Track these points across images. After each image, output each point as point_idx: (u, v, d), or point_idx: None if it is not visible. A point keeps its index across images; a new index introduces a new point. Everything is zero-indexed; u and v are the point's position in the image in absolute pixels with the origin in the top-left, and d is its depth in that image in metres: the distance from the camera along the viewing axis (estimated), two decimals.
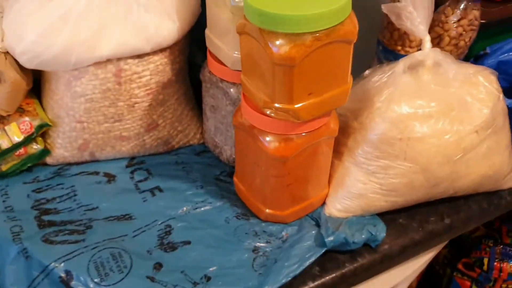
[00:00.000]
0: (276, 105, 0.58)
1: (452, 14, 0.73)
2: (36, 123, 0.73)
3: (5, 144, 0.72)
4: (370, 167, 0.68)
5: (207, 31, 0.71)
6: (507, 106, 0.74)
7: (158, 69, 0.73)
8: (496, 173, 0.71)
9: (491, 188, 0.73)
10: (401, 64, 0.68)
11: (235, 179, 0.73)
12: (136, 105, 0.73)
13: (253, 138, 0.64)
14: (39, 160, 0.76)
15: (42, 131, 0.74)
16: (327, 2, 0.53)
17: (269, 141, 0.63)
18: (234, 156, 0.77)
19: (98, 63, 0.69)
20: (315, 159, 0.66)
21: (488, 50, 0.80)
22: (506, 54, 0.78)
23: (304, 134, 0.62)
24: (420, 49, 0.69)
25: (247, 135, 0.66)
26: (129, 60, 0.70)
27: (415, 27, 0.67)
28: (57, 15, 0.66)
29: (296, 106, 0.57)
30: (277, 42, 0.53)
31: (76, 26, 0.66)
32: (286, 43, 0.53)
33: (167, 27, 0.70)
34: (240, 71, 0.68)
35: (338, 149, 0.70)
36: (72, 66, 0.68)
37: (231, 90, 0.71)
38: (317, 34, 0.53)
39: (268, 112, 0.59)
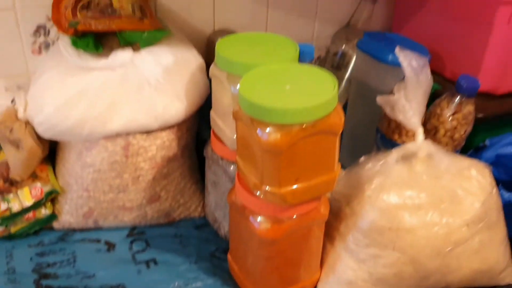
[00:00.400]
0: (265, 188, 0.60)
1: (447, 107, 0.76)
2: (46, 189, 0.78)
3: (16, 208, 0.76)
4: (361, 255, 0.68)
5: (211, 112, 0.76)
6: (507, 199, 0.74)
7: (164, 145, 0.77)
8: (490, 268, 0.70)
9: (486, 283, 0.72)
10: (394, 154, 0.70)
11: (229, 256, 0.75)
12: (141, 177, 0.77)
13: (245, 218, 0.66)
14: (46, 224, 0.80)
15: (51, 197, 0.79)
16: (315, 95, 0.57)
17: (260, 222, 0.64)
18: None
19: (109, 137, 0.74)
20: (305, 242, 0.67)
21: (487, 143, 0.81)
22: (504, 147, 0.79)
23: (294, 217, 0.64)
24: None
25: (239, 215, 0.68)
26: (138, 135, 0.75)
27: (407, 119, 0.70)
28: (75, 91, 0.72)
29: (283, 190, 0.60)
30: (266, 130, 0.56)
31: (91, 101, 0.72)
32: (274, 132, 0.56)
33: (176, 106, 0.75)
34: None
35: (331, 233, 0.71)
36: (84, 137, 0.74)
37: (230, 168, 0.74)
38: (303, 126, 0.56)
39: (257, 194, 0.62)
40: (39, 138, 0.78)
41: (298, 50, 0.68)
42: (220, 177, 0.77)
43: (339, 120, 0.59)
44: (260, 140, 0.57)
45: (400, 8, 1.00)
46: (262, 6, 0.93)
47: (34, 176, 0.79)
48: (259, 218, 0.65)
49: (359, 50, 0.88)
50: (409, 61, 0.70)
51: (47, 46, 0.83)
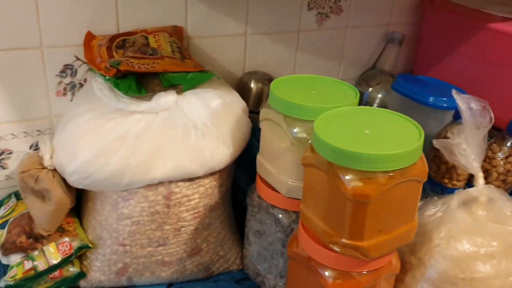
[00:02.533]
0: (344, 240, 0.56)
1: (499, 151, 0.75)
2: (75, 244, 0.70)
3: (41, 266, 0.68)
4: None
5: (259, 157, 0.71)
6: None
7: (207, 192, 0.72)
8: None
9: None
10: (455, 199, 0.67)
11: None
12: (183, 228, 0.71)
13: (311, 271, 0.61)
14: (73, 284, 0.71)
15: (80, 253, 0.71)
16: (400, 141, 0.54)
17: (329, 277, 0.60)
18: (278, 287, 0.74)
19: (149, 185, 0.68)
20: None
21: None
22: None
23: (365, 272, 0.60)
24: (467, 183, 0.70)
25: (302, 267, 0.63)
26: (180, 183, 0.69)
27: (469, 163, 0.68)
28: (115, 136, 0.66)
29: (365, 243, 0.55)
30: (352, 178, 0.53)
31: (133, 147, 0.66)
32: (359, 180, 0.52)
33: (222, 152, 0.70)
34: (294, 199, 0.67)
35: (395, 285, 0.67)
36: (122, 187, 0.67)
37: (282, 217, 0.69)
38: (392, 174, 0.53)
39: (333, 247, 0.57)
40: (67, 188, 0.71)
41: (358, 94, 0.66)
42: (269, 226, 0.72)
43: (424, 167, 0.56)
44: (346, 188, 0.53)
45: (424, 51, 1.01)
46: (292, 48, 0.91)
47: (60, 231, 0.71)
48: (327, 272, 0.60)
49: (395, 92, 0.87)
50: (468, 104, 0.69)
51: (72, 87, 0.77)
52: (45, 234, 0.69)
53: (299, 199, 0.68)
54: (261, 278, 0.76)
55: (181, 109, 0.68)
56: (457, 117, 0.82)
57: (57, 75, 0.75)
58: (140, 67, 0.67)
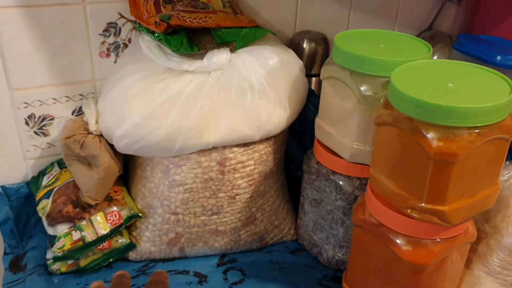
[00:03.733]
0: (423, 205, 0.51)
1: None
2: (125, 213, 0.67)
3: (90, 237, 0.65)
4: (508, 278, 0.59)
5: (318, 120, 0.66)
6: None
7: (262, 159, 0.67)
8: None
9: None
10: None
11: (345, 286, 0.65)
12: (238, 196, 0.67)
13: (381, 238, 0.57)
14: (122, 255, 0.68)
15: (130, 223, 0.68)
16: (487, 95, 0.49)
17: (402, 244, 0.55)
18: (337, 258, 0.69)
19: (202, 151, 0.64)
20: (448, 268, 0.58)
21: None
22: None
23: (439, 240, 0.55)
24: None
25: (370, 235, 0.58)
26: (235, 149, 0.65)
27: None
28: (166, 97, 0.61)
29: (447, 207, 0.50)
30: (435, 135, 0.47)
31: (185, 109, 0.61)
32: (445, 137, 0.47)
33: (278, 115, 0.65)
34: (359, 164, 0.63)
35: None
36: (174, 152, 0.63)
37: (345, 183, 0.64)
38: (479, 130, 0.47)
39: (410, 213, 0.52)
40: (115, 154, 0.67)
41: (431, 49, 0.60)
42: (328, 194, 0.67)
43: None
44: (430, 146, 0.48)
45: (484, 10, 0.94)
46: (345, 7, 0.85)
47: (108, 199, 0.67)
48: (399, 240, 0.55)
49: (457, 52, 0.81)
50: None
51: (116, 48, 0.72)
52: (92, 203, 0.66)
53: (364, 164, 0.63)
54: (317, 248, 0.72)
55: (235, 68, 0.63)
56: None
57: (100, 34, 0.71)
58: (192, 21, 0.62)
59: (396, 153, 0.52)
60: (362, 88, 0.58)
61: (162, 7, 0.66)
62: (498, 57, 0.75)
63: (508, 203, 0.60)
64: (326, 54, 0.81)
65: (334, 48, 0.61)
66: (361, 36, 0.64)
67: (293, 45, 0.79)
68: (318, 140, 0.67)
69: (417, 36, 0.92)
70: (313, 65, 0.80)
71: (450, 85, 0.51)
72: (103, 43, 0.71)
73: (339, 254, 0.69)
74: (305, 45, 0.79)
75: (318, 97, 0.77)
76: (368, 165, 0.63)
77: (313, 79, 0.81)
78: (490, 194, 0.54)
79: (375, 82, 0.57)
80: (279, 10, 0.80)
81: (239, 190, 0.66)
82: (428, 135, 0.48)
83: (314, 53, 0.80)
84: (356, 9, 0.86)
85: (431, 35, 0.91)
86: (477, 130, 0.48)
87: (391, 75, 0.52)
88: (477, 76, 0.53)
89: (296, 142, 0.77)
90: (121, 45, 0.72)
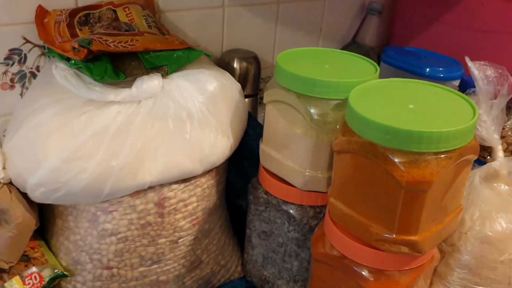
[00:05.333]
0: (393, 236, 0.48)
1: (508, 120, 0.70)
2: (47, 273, 0.56)
3: None
4: None
5: (263, 146, 0.61)
6: None
7: (204, 193, 0.60)
8: None
9: None
10: (476, 175, 0.62)
11: None
12: (180, 240, 0.59)
13: (345, 271, 0.53)
14: None
15: (54, 285, 0.57)
16: (452, 116, 0.47)
17: (368, 277, 0.51)
18: None
19: (137, 192, 0.55)
20: None
21: None
22: None
23: (407, 269, 0.52)
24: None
25: (332, 269, 0.54)
26: (174, 186, 0.57)
27: (489, 135, 0.63)
28: (90, 134, 0.52)
29: (419, 237, 0.47)
30: (405, 162, 0.44)
31: (114, 147, 0.53)
32: (418, 165, 0.44)
33: (221, 144, 0.59)
34: (312, 191, 0.58)
35: None
36: (103, 198, 0.54)
37: (298, 213, 0.60)
38: (449, 154, 0.45)
39: (379, 245, 0.49)
40: (29, 203, 0.56)
41: (378, 69, 0.57)
42: (279, 226, 0.62)
43: (477, 143, 0.49)
44: (402, 175, 0.44)
45: (401, 22, 0.95)
46: (271, 24, 0.81)
47: (25, 259, 0.56)
48: (364, 272, 0.52)
49: (385, 65, 0.80)
50: (484, 72, 0.63)
51: (22, 78, 0.61)
52: (6, 266, 0.54)
53: (319, 192, 0.59)
54: (269, 285, 0.66)
55: (170, 96, 0.56)
56: (463, 86, 0.77)
57: (1, 63, 0.59)
58: (117, 45, 0.54)
59: (361, 183, 0.49)
60: (312, 112, 0.53)
61: (77, 30, 0.57)
62: (427, 69, 0.76)
63: (463, 220, 0.60)
64: (258, 73, 0.76)
65: (277, 70, 0.56)
66: (303, 56, 0.59)
67: (223, 65, 0.74)
68: (264, 167, 0.62)
69: (342, 49, 0.91)
70: (245, 85, 0.75)
71: (411, 106, 0.48)
72: (5, 73, 0.60)
73: None
74: (235, 65, 0.74)
75: (255, 119, 0.72)
76: (322, 192, 0.59)
77: (246, 100, 0.76)
78: (456, 216, 0.52)
79: (326, 105, 0.53)
80: (205, 28, 0.74)
81: (181, 233, 0.59)
82: (398, 163, 0.44)
83: (245, 73, 0.74)
84: (282, 24, 0.82)
85: (354, 48, 0.90)
86: (445, 155, 0.45)
87: (348, 97, 0.48)
88: (433, 95, 0.51)
89: (233, 168, 0.71)
90: (28, 75, 0.62)
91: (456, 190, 0.50)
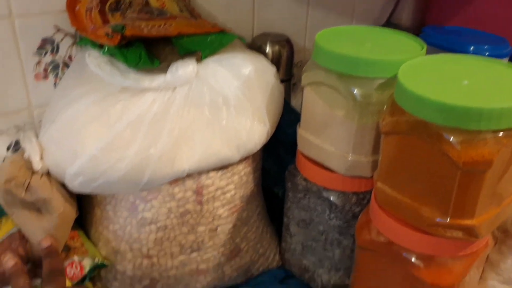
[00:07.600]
0: (447, 221, 0.45)
1: None
2: (87, 263, 0.55)
3: None
4: None
5: (301, 131, 0.59)
6: None
7: (242, 181, 0.59)
8: None
9: None
10: None
11: None
12: (219, 228, 0.58)
13: (393, 258, 0.50)
14: None
15: (95, 274, 0.56)
16: (508, 92, 0.44)
17: (420, 265, 0.49)
18: (333, 282, 0.62)
19: (175, 180, 0.54)
20: (467, 285, 0.53)
21: None
22: None
23: (461, 256, 0.49)
24: None
25: (378, 256, 0.52)
26: (211, 173, 0.56)
27: None
28: (126, 123, 0.51)
29: (476, 220, 0.45)
30: (463, 141, 0.42)
31: (151, 134, 0.51)
32: (475, 144, 0.41)
33: (258, 130, 0.57)
34: (356, 177, 0.56)
35: None
36: (142, 186, 0.53)
37: (340, 200, 0.57)
38: (510, 131, 0.42)
39: (432, 230, 0.46)
40: (68, 193, 0.56)
41: (424, 46, 0.54)
42: (319, 213, 0.60)
43: None
44: (458, 155, 0.42)
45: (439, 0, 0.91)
46: (303, 5, 0.78)
47: (65, 249, 0.56)
48: (415, 258, 0.49)
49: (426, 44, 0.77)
50: None
51: (55, 68, 0.60)
52: None
53: (362, 177, 0.57)
54: (309, 274, 0.64)
55: (205, 82, 0.54)
56: None
57: (34, 54, 0.59)
58: (150, 30, 0.52)
59: (411, 165, 0.46)
60: (355, 92, 0.51)
61: (109, 16, 0.56)
62: (472, 47, 0.72)
63: None
64: (291, 57, 0.74)
65: (316, 50, 0.54)
66: (342, 35, 0.57)
67: (254, 49, 0.71)
68: (302, 153, 0.60)
69: None
70: (278, 70, 0.72)
71: (465, 82, 0.45)
72: (38, 63, 0.59)
73: (335, 278, 0.62)
74: (267, 49, 0.72)
75: (289, 104, 0.70)
76: (366, 178, 0.57)
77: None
78: None
79: (370, 85, 0.51)
80: (235, 11, 0.71)
81: (220, 221, 0.57)
82: (454, 143, 0.42)
83: (278, 57, 0.72)
84: (314, 5, 0.79)
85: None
86: (505, 132, 0.42)
87: (398, 75, 0.46)
88: (487, 70, 0.48)
89: (269, 156, 0.69)
90: (61, 65, 0.61)
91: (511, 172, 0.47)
